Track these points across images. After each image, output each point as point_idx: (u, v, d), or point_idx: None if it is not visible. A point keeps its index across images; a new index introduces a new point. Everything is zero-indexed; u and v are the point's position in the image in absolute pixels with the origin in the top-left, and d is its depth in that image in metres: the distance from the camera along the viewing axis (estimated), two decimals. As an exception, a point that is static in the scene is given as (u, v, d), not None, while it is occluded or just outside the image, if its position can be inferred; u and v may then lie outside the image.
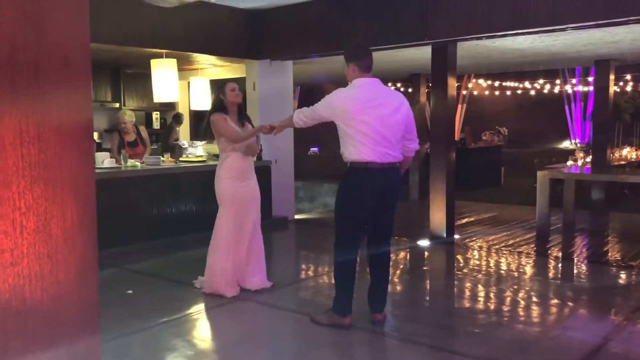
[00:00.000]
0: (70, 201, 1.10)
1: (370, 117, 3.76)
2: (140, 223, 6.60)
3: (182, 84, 9.09)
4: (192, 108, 9.22)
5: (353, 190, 3.88)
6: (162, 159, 7.15)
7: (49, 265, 1.07)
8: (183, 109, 10.30)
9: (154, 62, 7.21)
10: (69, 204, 1.10)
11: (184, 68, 9.13)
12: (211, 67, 9.45)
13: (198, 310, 4.58)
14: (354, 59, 3.95)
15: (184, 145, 8.21)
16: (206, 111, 8.77)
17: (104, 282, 5.12)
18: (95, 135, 9.83)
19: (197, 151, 8.30)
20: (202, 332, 4.22)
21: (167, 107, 10.34)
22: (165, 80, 7.15)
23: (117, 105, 9.80)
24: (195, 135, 10.36)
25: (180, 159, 7.58)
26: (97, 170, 6.30)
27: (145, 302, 4.77)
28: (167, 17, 6.76)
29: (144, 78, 9.22)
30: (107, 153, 6.94)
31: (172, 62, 7.24)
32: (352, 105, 3.80)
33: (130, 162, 6.81)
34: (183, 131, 10.32)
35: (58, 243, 1.08)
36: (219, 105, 4.71)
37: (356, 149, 3.77)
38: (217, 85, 4.94)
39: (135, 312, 4.51)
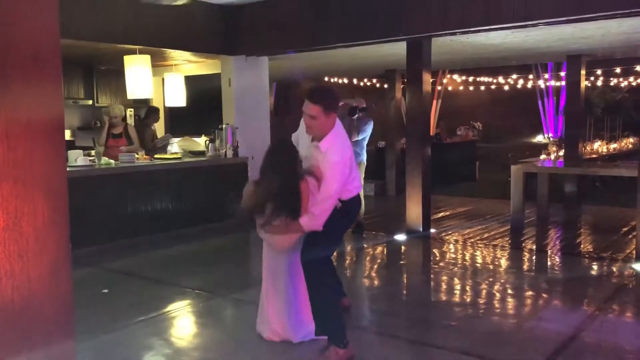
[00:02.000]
0: (41, 198, 1.09)
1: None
2: (115, 221, 6.51)
3: (156, 80, 8.98)
4: (167, 104, 9.11)
5: (347, 218, 3.75)
6: (136, 156, 7.07)
7: (20, 264, 1.05)
8: (157, 106, 10.17)
9: (127, 59, 7.12)
10: (40, 202, 1.08)
11: (158, 64, 9.02)
12: (186, 63, 9.35)
13: (175, 309, 4.55)
14: (331, 107, 3.51)
15: (166, 140, 8.14)
16: (181, 107, 8.65)
17: (80, 281, 5.05)
18: (69, 133, 9.68)
19: (172, 148, 8.24)
20: (180, 331, 4.19)
21: (141, 104, 10.21)
22: (139, 76, 7.06)
23: (90, 102, 9.65)
24: (170, 131, 10.26)
25: (156, 156, 7.50)
26: (70, 169, 6.20)
27: (122, 301, 4.72)
28: (140, 13, 6.68)
29: (118, 75, 9.10)
30: (81, 151, 6.84)
31: (146, 59, 7.15)
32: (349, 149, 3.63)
33: (104, 159, 6.72)
34: (158, 127, 10.19)
35: (29, 241, 1.07)
36: None
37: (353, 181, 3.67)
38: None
39: (111, 311, 4.46)
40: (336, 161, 3.41)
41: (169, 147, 8.21)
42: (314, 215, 3.38)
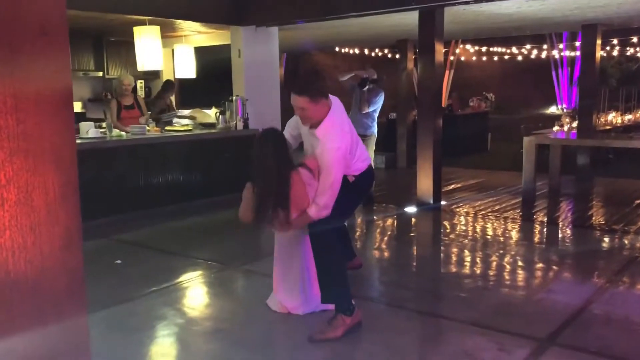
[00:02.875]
0: (51, 172, 1.09)
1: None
2: (127, 193, 6.56)
3: (166, 51, 8.94)
4: (177, 76, 9.07)
5: (357, 193, 3.81)
6: (147, 128, 7.08)
7: (32, 237, 1.06)
8: (168, 77, 10.15)
9: (137, 30, 7.07)
10: (51, 175, 1.09)
11: (168, 35, 8.96)
12: (195, 34, 9.29)
13: (188, 279, 4.60)
14: (322, 95, 3.46)
15: (172, 116, 8.11)
16: (191, 79, 8.61)
17: (92, 252, 5.12)
18: (79, 105, 9.69)
19: (182, 120, 8.23)
20: (193, 301, 4.25)
21: (152, 76, 10.18)
22: (149, 48, 7.03)
23: (100, 74, 9.64)
24: (180, 103, 10.25)
25: (167, 128, 7.51)
26: (82, 141, 6.23)
27: (134, 271, 4.79)
28: (149, -17, 6.61)
29: (127, 46, 9.06)
30: (92, 123, 6.85)
31: (156, 30, 7.10)
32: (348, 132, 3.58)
33: (116, 131, 6.74)
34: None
35: (41, 215, 1.07)
36: None
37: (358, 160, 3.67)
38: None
39: (124, 281, 4.53)
40: (333, 147, 3.36)
41: (177, 120, 8.18)
42: (319, 206, 3.39)
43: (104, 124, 7.16)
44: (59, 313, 1.14)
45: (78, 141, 6.12)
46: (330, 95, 3.55)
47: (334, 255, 3.58)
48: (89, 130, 6.50)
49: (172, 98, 9.01)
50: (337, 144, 3.38)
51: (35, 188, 1.07)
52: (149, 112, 7.81)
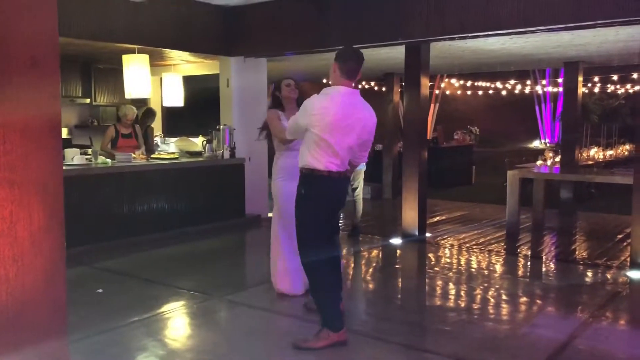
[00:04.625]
0: (37, 203, 1.09)
1: (343, 132, 3.63)
2: (111, 221, 6.50)
3: (154, 79, 8.98)
4: (165, 104, 9.10)
5: (320, 198, 3.74)
6: (133, 155, 7.06)
7: (15, 268, 1.05)
8: (155, 105, 10.17)
9: (125, 58, 7.11)
10: (36, 206, 1.08)
11: (157, 64, 9.02)
12: (184, 63, 9.35)
13: (170, 310, 4.54)
14: (338, 58, 3.70)
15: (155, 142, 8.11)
16: (178, 107, 8.65)
17: (74, 281, 5.04)
18: (65, 132, 9.66)
19: (169, 148, 8.22)
20: (174, 332, 4.19)
21: (139, 104, 10.20)
22: (138, 76, 7.06)
23: (88, 100, 9.63)
24: (167, 131, 10.26)
25: (152, 156, 7.50)
26: (67, 167, 6.19)
27: (116, 301, 4.71)
28: (139, 12, 6.67)
29: (116, 73, 9.09)
30: (77, 149, 6.82)
31: (144, 58, 7.14)
32: (329, 119, 3.62)
33: (101, 159, 6.71)
34: (155, 127, 10.18)
35: (24, 246, 1.07)
36: (274, 102, 4.71)
37: (324, 158, 3.64)
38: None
39: (105, 311, 4.45)
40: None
41: (165, 147, 8.19)
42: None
43: (89, 151, 7.13)
44: (39, 345, 1.12)
45: (63, 168, 6.07)
46: (344, 91, 3.69)
47: (322, 280, 3.75)
48: (74, 157, 6.47)
49: (153, 126, 8.98)
50: (311, 106, 3.71)
51: (20, 219, 1.06)
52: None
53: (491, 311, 4.62)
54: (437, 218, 8.54)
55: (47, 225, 1.10)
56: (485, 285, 5.27)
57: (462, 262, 6.24)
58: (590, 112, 11.51)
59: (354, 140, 3.70)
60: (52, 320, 1.15)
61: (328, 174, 3.65)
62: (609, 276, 5.59)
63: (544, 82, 15.15)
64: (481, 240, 7.08)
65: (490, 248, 6.68)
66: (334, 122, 3.60)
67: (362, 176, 7.13)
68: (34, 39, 1.08)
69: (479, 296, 4.95)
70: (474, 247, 6.74)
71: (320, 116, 3.61)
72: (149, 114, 8.67)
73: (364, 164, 6.98)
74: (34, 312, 1.10)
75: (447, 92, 15.85)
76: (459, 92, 15.91)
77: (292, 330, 4.02)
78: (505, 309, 4.69)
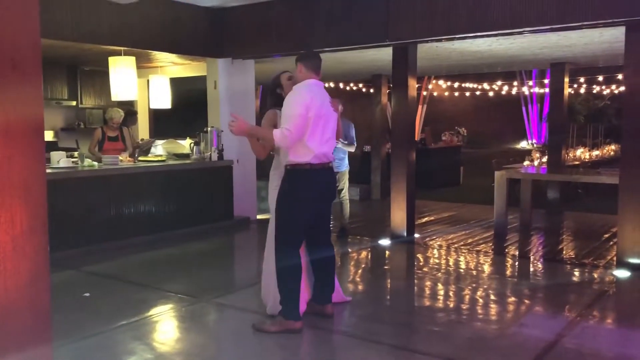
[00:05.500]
0: (19, 206, 1.07)
1: (322, 119, 3.92)
2: (97, 224, 6.45)
3: (141, 81, 8.93)
4: (152, 106, 9.04)
5: (300, 192, 3.94)
6: (120, 158, 7.01)
7: (-3, 273, 1.03)
8: (142, 108, 10.11)
9: (112, 60, 7.06)
10: (19, 209, 1.07)
11: (143, 66, 8.96)
12: (171, 65, 9.30)
13: (158, 313, 4.51)
14: (301, 59, 4.08)
15: (149, 144, 8.06)
16: (166, 109, 8.60)
17: (61, 285, 5.00)
18: (51, 134, 9.56)
19: (156, 150, 8.17)
20: (162, 335, 4.16)
21: (126, 106, 10.12)
22: (124, 78, 7.01)
23: (74, 103, 9.55)
24: (155, 134, 10.19)
25: (140, 158, 7.44)
26: (53, 170, 6.14)
27: (103, 304, 4.67)
28: (126, 14, 6.63)
29: (102, 75, 9.02)
30: (63, 152, 6.76)
31: (131, 60, 7.10)
32: (317, 105, 3.91)
33: (88, 161, 6.66)
34: (142, 129, 10.13)
35: (7, 250, 1.05)
36: (276, 101, 4.24)
37: (306, 151, 3.87)
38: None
39: (92, 315, 4.41)
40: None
41: (152, 150, 8.14)
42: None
43: (75, 154, 7.06)
44: (23, 351, 1.10)
45: (48, 171, 6.02)
46: (315, 81, 4.05)
47: (286, 266, 3.93)
48: (60, 160, 6.41)
49: (135, 127, 8.94)
50: (299, 96, 3.93)
51: (2, 223, 1.04)
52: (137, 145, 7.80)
53: (480, 311, 4.63)
54: (426, 219, 8.57)
55: (30, 229, 1.09)
56: (474, 285, 5.29)
57: (451, 263, 6.25)
58: (576, 112, 11.61)
59: (334, 126, 4.06)
60: (36, 325, 1.13)
61: (310, 167, 3.90)
62: (595, 275, 5.63)
63: (530, 83, 15.25)
64: (469, 240, 7.11)
65: (478, 248, 6.71)
66: (320, 109, 3.90)
67: (346, 177, 7.10)
68: (14, 41, 1.06)
69: (467, 296, 4.96)
70: (462, 247, 6.76)
71: (311, 101, 3.87)
72: (132, 115, 8.60)
73: (347, 165, 7.04)
74: (17, 317, 1.08)
75: (435, 94, 15.91)
76: (446, 93, 15.98)
77: (280, 333, 4.00)
78: (493, 309, 4.70)
